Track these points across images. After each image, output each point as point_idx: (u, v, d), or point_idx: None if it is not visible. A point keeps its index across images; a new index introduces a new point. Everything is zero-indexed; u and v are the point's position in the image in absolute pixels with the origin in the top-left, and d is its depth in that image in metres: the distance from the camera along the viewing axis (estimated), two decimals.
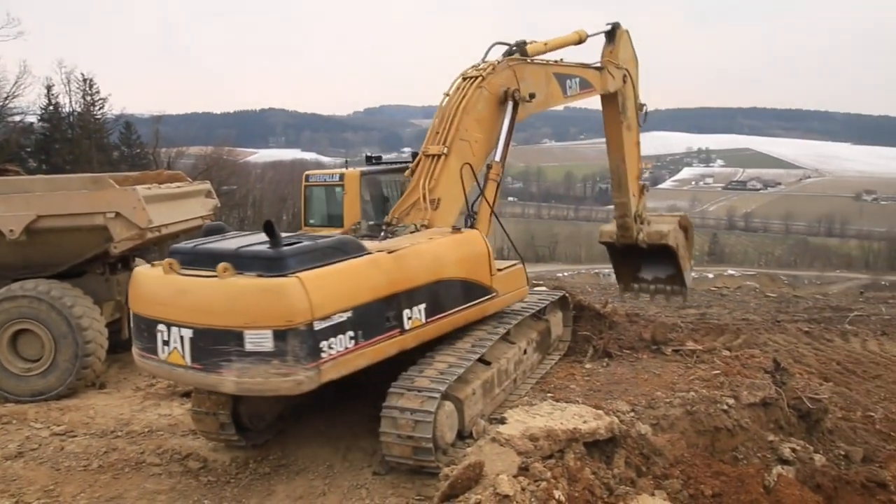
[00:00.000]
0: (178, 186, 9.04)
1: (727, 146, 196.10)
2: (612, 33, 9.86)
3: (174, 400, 7.61)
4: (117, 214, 7.58)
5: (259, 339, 4.49)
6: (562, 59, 8.76)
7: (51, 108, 37.86)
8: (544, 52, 8.51)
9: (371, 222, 9.57)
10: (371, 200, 10.30)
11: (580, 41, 9.42)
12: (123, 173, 10.45)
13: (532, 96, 7.63)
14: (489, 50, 7.84)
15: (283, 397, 5.56)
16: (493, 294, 6.40)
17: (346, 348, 4.78)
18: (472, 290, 6.12)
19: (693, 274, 12.23)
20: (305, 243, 4.97)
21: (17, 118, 36.45)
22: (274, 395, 5.03)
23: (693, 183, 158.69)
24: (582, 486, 4.61)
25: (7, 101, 34.37)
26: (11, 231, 7.62)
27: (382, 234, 6.59)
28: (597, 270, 48.94)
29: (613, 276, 12.24)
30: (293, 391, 4.60)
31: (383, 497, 5.11)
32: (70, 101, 39.24)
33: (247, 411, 5.96)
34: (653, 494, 4.97)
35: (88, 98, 39.92)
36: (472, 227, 6.85)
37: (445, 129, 7.06)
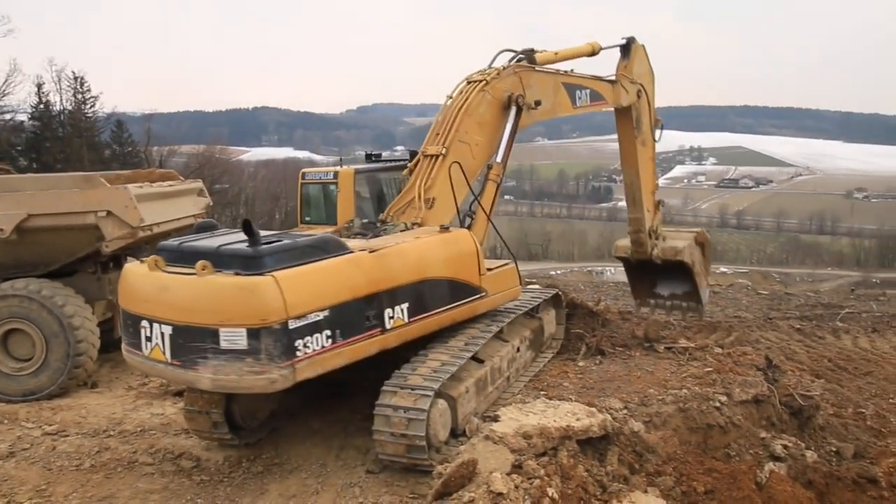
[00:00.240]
0: (170, 185, 9.00)
1: (719, 144, 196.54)
2: (627, 48, 9.88)
3: (166, 399, 7.59)
4: (109, 213, 7.55)
5: (233, 337, 4.51)
6: (573, 70, 8.76)
7: (41, 106, 37.77)
8: (554, 62, 8.55)
9: (366, 220, 9.54)
10: (366, 198, 10.27)
11: (593, 53, 9.43)
12: (115, 172, 10.37)
13: (538, 104, 7.65)
14: (496, 57, 7.88)
15: (275, 395, 5.56)
16: (483, 294, 6.37)
17: (323, 347, 4.78)
18: (459, 290, 6.09)
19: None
20: (284, 242, 4.97)
21: (8, 116, 36.40)
22: (249, 393, 5.04)
23: (685, 181, 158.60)
24: (575, 484, 4.63)
25: None
26: (2, 230, 7.58)
27: (371, 232, 6.59)
28: (589, 268, 49.11)
29: (611, 277, 12.24)
30: (267, 389, 4.61)
31: (377, 495, 5.12)
32: (61, 100, 39.26)
33: (240, 410, 5.95)
34: (646, 491, 5.00)
35: (79, 96, 39.90)
36: (469, 227, 6.86)
37: (446, 130, 7.09)
